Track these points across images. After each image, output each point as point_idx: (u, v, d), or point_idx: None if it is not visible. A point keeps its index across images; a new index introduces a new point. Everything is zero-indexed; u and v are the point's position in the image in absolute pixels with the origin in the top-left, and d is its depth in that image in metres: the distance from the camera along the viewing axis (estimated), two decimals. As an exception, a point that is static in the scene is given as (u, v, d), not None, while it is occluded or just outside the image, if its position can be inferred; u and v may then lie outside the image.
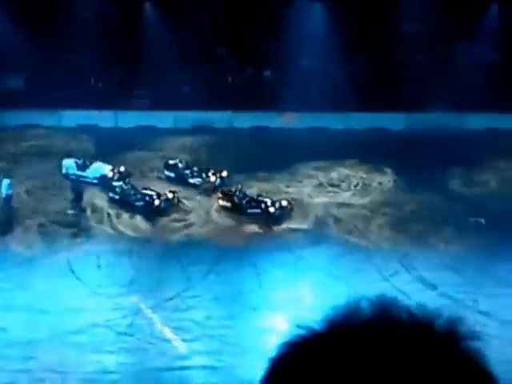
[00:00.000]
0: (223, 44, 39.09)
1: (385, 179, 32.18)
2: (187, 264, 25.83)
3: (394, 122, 35.55)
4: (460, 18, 35.66)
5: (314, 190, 31.36)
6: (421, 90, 35.17)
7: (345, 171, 32.79)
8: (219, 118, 36.36)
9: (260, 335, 21.30)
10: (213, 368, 20.90)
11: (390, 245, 27.32)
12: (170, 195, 29.54)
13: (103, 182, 30.77)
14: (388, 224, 28.49)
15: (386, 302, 1.51)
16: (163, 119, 36.42)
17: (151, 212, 28.96)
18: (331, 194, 31.14)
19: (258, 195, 29.48)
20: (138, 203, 29.30)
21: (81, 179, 30.95)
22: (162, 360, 21.33)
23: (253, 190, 30.81)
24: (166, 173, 31.87)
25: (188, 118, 36.30)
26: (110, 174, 30.96)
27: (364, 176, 32.41)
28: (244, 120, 36.34)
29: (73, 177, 31.16)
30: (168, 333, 22.42)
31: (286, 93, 36.23)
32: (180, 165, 31.76)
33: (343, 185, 31.93)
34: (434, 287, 24.70)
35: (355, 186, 31.83)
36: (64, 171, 31.69)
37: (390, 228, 28.41)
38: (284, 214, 28.69)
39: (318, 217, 29.18)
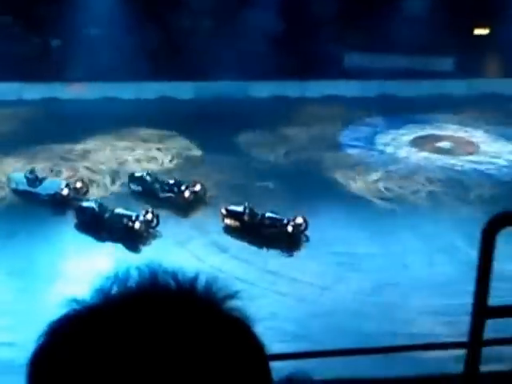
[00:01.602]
0: (8, 13, 38.01)
1: (177, 147, 32.65)
2: (-22, 240, 25.29)
3: (183, 90, 36.04)
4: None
5: (107, 158, 31.46)
6: (208, 59, 35.78)
7: (136, 140, 33.01)
8: (7, 90, 35.40)
9: (56, 308, 21.19)
10: (9, 344, 20.68)
11: (183, 211, 27.83)
12: (149, 216, 25.99)
13: (56, 199, 27.77)
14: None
15: (154, 269, 1.54)
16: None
17: (132, 237, 25.47)
18: (124, 161, 31.36)
19: (266, 211, 26.29)
20: (115, 226, 25.63)
21: (32, 196, 28.15)
22: (-44, 339, 20.91)
23: (47, 163, 30.66)
24: (132, 186, 28.71)
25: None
26: (65, 192, 28.03)
27: (156, 145, 32.74)
28: (33, 91, 35.62)
29: (23, 193, 28.34)
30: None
31: (75, 62, 35.82)
32: (148, 178, 28.70)
33: (135, 153, 32.18)
34: (226, 250, 25.50)
35: (148, 155, 32.20)
36: (13, 186, 28.78)
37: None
38: (300, 232, 25.97)
39: (110, 184, 29.53)
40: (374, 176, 30.84)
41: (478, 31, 39.96)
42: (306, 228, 26.02)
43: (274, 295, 22.99)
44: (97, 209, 26.34)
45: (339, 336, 19.75)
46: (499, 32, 36.73)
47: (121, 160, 31.56)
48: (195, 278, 1.54)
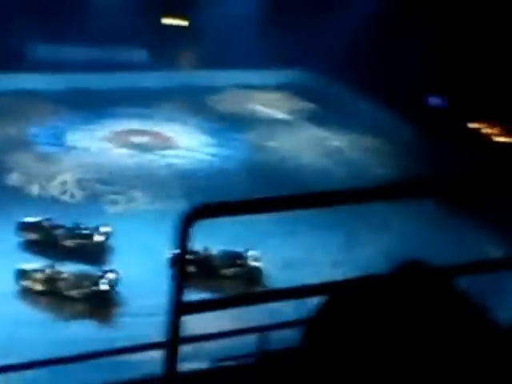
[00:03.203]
0: None
1: None
2: None
3: None
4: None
5: None
6: None
7: None
8: None
9: None
10: None
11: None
12: (112, 276, 21.97)
13: None
14: None
15: None
16: None
17: (98, 302, 21.54)
18: None
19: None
20: (73, 292, 21.48)
21: None
22: None
23: None
24: (24, 235, 23.64)
25: None
26: None
27: None
28: None
29: None
30: None
31: None
32: (46, 223, 23.90)
33: None
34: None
35: None
36: None
37: None
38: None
39: None
40: (68, 175, 29.12)
41: (171, 22, 39.39)
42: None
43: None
44: (52, 271, 21.73)
45: (37, 347, 18.19)
46: (194, 24, 36.82)
47: None
48: None
